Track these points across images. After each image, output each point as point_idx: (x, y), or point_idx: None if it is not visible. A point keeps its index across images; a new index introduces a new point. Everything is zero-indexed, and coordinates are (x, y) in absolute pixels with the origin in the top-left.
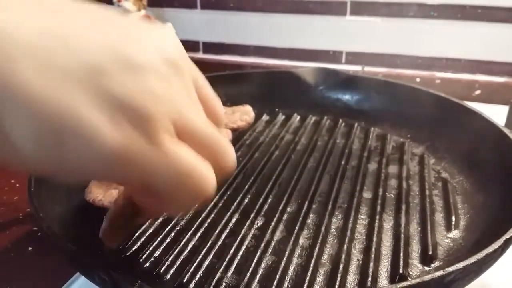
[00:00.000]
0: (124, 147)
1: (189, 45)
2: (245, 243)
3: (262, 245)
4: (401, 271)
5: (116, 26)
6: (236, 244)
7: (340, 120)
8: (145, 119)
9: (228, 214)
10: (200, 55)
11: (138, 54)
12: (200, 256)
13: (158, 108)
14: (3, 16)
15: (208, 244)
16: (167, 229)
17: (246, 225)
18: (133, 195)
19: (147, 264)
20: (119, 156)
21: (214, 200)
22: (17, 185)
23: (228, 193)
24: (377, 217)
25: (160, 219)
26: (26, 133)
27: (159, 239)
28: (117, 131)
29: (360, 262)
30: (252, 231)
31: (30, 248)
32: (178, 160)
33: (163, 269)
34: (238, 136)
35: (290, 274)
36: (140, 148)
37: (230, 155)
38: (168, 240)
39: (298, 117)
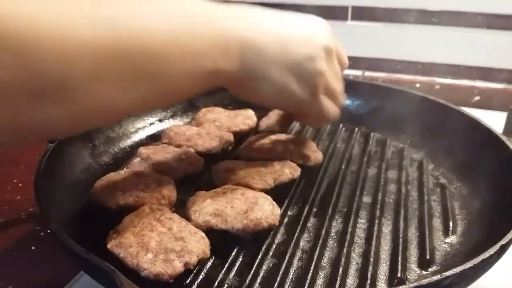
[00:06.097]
0: (304, 97)
1: None
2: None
3: (263, 247)
4: (399, 275)
5: (304, 24)
6: (237, 246)
7: (341, 125)
8: (316, 86)
9: None
10: None
11: (330, 43)
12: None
13: (321, 81)
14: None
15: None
16: None
17: None
18: (294, 113)
19: None
20: (301, 100)
21: None
22: (20, 184)
23: None
24: (376, 221)
25: None
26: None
27: None
28: (303, 90)
29: (359, 265)
30: None
31: (33, 248)
32: (323, 105)
33: None
34: (240, 139)
35: (290, 277)
36: (309, 97)
37: (342, 102)
38: None
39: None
